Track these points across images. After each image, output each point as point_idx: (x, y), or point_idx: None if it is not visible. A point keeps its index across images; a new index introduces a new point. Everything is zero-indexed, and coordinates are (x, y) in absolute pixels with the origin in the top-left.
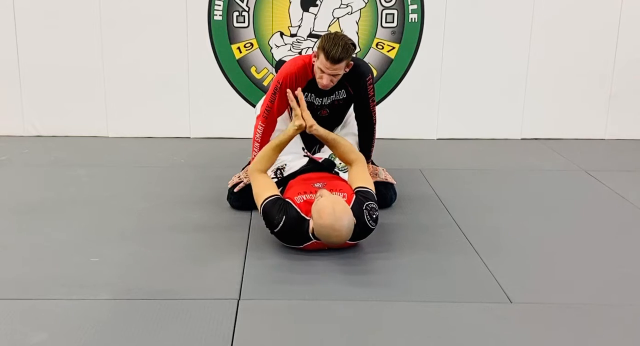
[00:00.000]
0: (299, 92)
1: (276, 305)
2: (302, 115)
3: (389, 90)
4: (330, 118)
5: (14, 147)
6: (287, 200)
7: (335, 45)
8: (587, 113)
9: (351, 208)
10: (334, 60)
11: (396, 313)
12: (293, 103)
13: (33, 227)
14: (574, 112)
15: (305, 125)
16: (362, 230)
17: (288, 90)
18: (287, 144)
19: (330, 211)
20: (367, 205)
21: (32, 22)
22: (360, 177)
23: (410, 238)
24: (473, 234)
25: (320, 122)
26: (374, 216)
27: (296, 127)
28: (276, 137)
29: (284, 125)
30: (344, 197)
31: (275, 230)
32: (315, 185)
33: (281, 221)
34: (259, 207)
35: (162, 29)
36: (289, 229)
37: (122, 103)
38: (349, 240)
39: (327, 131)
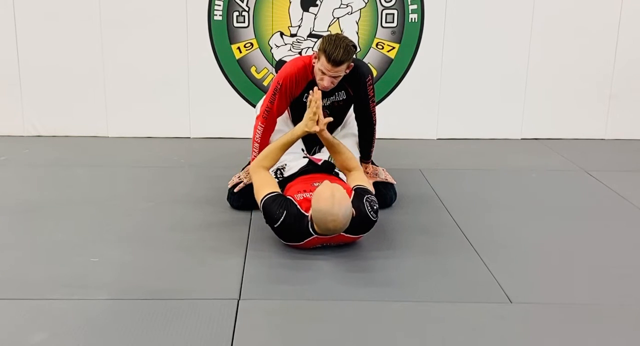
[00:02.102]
0: (317, 94)
1: (276, 305)
2: (313, 117)
3: (389, 90)
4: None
5: (14, 147)
6: (287, 197)
7: (336, 48)
8: (587, 113)
9: (351, 201)
10: (335, 62)
11: (396, 313)
12: (311, 106)
13: (33, 227)
14: (574, 112)
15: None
16: (363, 222)
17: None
18: (292, 144)
19: (328, 195)
20: (367, 197)
21: (32, 22)
22: (359, 179)
23: (410, 238)
24: (473, 234)
25: None
26: (375, 207)
27: (307, 129)
28: (283, 136)
29: (283, 126)
30: None
31: (275, 225)
32: (315, 184)
33: (282, 216)
34: (259, 203)
35: (162, 29)
36: (289, 225)
37: (122, 104)
38: (352, 234)
39: (332, 136)
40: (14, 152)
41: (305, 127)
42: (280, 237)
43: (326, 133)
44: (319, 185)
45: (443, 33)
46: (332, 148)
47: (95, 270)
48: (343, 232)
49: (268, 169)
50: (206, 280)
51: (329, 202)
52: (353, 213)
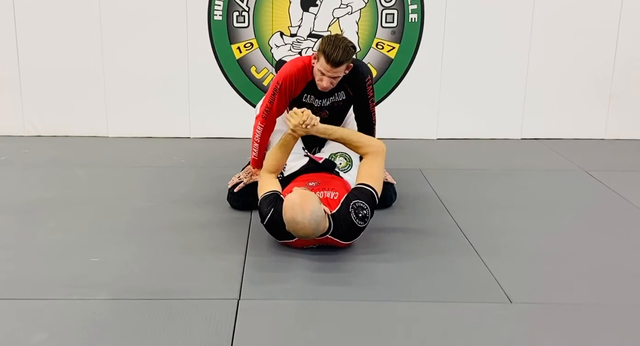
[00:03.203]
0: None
1: (276, 305)
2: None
3: (389, 90)
4: (330, 119)
5: (14, 147)
6: (280, 196)
7: (335, 48)
8: (587, 113)
9: (339, 208)
10: (334, 63)
11: (396, 313)
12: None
13: (33, 227)
14: (574, 112)
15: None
16: (350, 229)
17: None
18: (290, 145)
19: (292, 204)
20: (354, 203)
21: (32, 22)
22: (366, 172)
23: (410, 238)
24: (473, 234)
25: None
26: (360, 215)
27: (289, 132)
28: (279, 140)
29: (283, 126)
30: (334, 196)
31: (264, 223)
32: (310, 184)
33: (269, 214)
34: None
35: (162, 29)
36: (276, 222)
37: (122, 104)
38: (341, 240)
39: (328, 130)
40: (14, 152)
41: (293, 132)
42: (271, 233)
43: (318, 130)
44: (313, 186)
45: (443, 33)
46: (341, 141)
47: (95, 270)
48: (332, 236)
49: (273, 172)
50: (206, 280)
51: (294, 210)
52: (327, 213)
